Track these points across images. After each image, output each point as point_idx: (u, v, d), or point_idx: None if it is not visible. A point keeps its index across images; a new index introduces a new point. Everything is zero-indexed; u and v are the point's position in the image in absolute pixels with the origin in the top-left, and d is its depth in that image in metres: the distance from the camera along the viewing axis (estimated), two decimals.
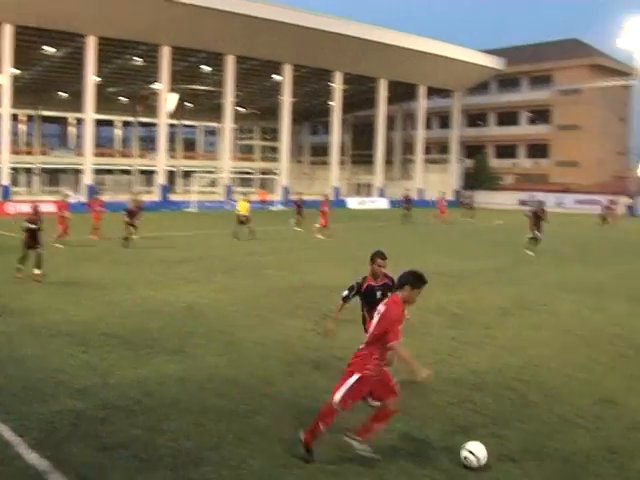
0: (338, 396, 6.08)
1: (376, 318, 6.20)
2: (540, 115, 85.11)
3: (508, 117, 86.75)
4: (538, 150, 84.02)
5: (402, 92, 70.33)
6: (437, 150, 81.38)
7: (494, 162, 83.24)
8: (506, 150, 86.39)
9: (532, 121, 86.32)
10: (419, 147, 71.96)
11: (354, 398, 6.11)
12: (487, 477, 5.79)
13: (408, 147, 76.62)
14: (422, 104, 70.76)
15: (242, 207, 28.47)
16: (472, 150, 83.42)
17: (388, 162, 73.96)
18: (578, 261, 22.55)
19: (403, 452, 6.31)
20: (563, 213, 59.74)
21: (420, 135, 71.96)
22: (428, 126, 76.41)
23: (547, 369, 9.23)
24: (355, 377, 6.09)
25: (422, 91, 69.72)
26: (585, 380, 8.75)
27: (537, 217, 25.25)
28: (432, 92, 72.14)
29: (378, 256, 7.99)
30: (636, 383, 8.70)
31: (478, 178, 77.02)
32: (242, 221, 27.77)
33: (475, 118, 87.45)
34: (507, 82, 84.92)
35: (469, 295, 15.27)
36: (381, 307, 6.25)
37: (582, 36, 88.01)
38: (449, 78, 68.94)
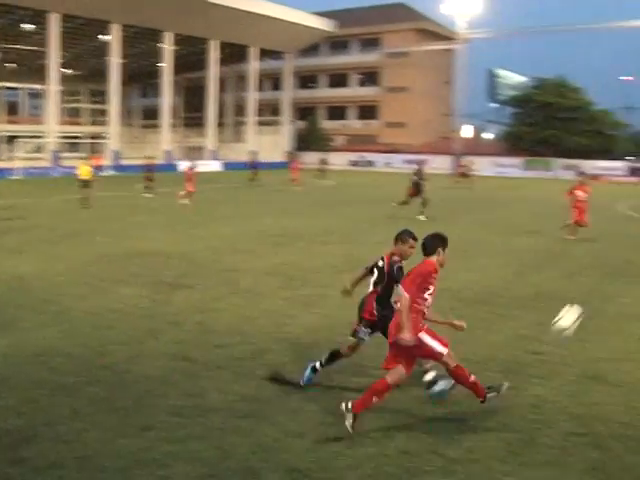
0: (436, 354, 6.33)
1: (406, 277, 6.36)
2: (369, 77, 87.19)
3: (339, 79, 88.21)
4: (368, 111, 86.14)
5: (234, 53, 69.66)
6: (269, 112, 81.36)
7: (325, 123, 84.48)
8: (337, 111, 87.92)
9: (362, 83, 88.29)
10: (251, 109, 71.70)
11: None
12: (323, 430, 5.91)
13: (240, 109, 76.10)
14: (254, 66, 70.44)
15: (83, 171, 27.16)
16: (304, 112, 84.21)
17: (220, 125, 73.23)
18: (407, 218, 23.40)
19: (240, 413, 6.35)
20: (392, 172, 61.82)
21: (252, 97, 71.70)
22: (260, 88, 76.18)
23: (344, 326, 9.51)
24: (427, 336, 6.32)
25: (253, 53, 69.34)
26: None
27: (417, 185, 24.73)
28: (264, 54, 71.91)
29: (410, 236, 7.01)
30: (460, 334, 9.12)
31: (309, 139, 77.97)
32: (85, 185, 26.52)
33: (307, 80, 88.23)
34: (338, 44, 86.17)
35: (303, 255, 15.50)
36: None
37: (409, 1, 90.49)
38: (280, 40, 68.93)
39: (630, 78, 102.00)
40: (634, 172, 65.72)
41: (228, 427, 6.01)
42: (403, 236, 7.01)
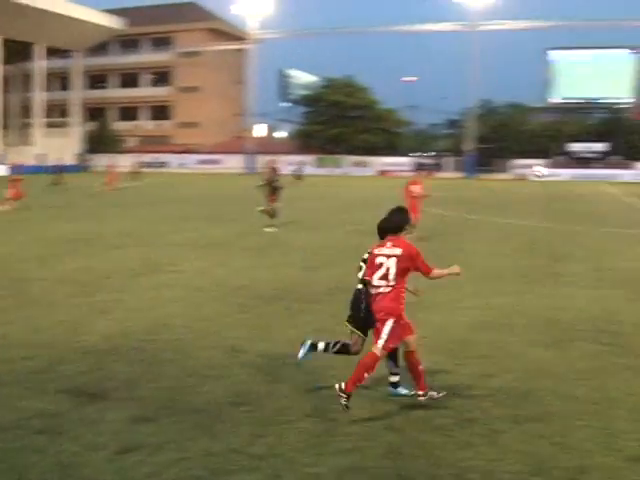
0: (380, 343, 6.47)
1: (393, 259, 6.74)
2: (161, 77, 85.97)
3: (130, 79, 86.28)
4: (160, 112, 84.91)
5: (18, 51, 65.80)
6: (58, 113, 77.90)
7: (117, 125, 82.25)
8: (129, 112, 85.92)
9: (154, 83, 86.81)
10: (38, 110, 68.24)
11: (395, 341, 6.58)
12: (124, 439, 5.74)
13: (27, 110, 72.19)
14: (40, 65, 67.08)
15: None
16: (95, 113, 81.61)
17: (5, 127, 69.04)
18: (204, 219, 23.32)
19: (35, 430, 6.00)
20: (187, 173, 61.29)
21: (39, 98, 68.30)
22: (48, 88, 72.73)
23: (176, 326, 9.38)
24: (391, 321, 6.53)
25: (39, 50, 65.99)
26: (214, 332, 9.09)
27: (273, 187, 21.60)
28: (51, 52, 68.61)
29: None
30: (259, 331, 9.25)
31: (100, 141, 75.55)
32: None
33: (96, 80, 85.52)
34: (128, 43, 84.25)
35: (97, 260, 14.96)
36: (391, 249, 6.81)
37: (201, 0, 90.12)
38: (68, 37, 66.12)
39: (413, 79, 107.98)
40: (418, 167, 69.45)
41: (22, 446, 5.63)
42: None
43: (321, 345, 7.23)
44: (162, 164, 73.25)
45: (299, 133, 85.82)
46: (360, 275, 7.34)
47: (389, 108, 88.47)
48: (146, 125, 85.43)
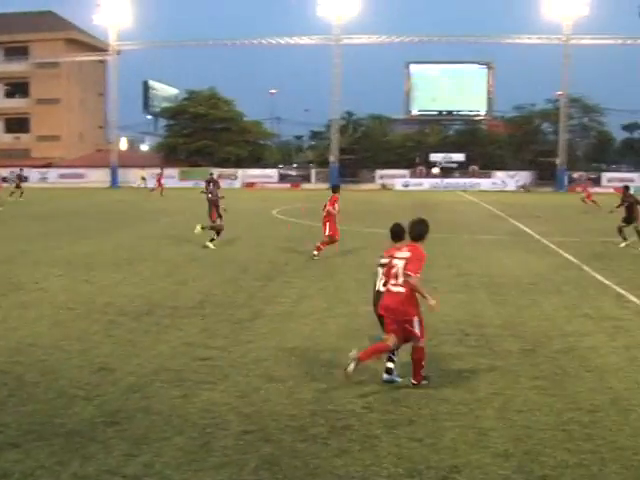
0: (420, 336, 7.50)
1: (402, 262, 7.45)
2: (18, 88, 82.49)
3: None
4: (18, 124, 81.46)
5: None
6: None
7: None
8: None
9: (9, 94, 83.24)
10: None
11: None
12: None
13: None
14: None
15: None
16: None
17: None
18: (67, 234, 22.55)
19: None
20: (48, 188, 59.14)
21: None
22: None
23: (42, 347, 9.03)
24: (417, 320, 7.51)
25: None
26: (81, 351, 8.81)
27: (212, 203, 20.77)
28: None
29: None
30: (129, 347, 9.05)
31: None
32: None
33: None
34: None
35: None
36: (404, 253, 7.59)
37: (59, 9, 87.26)
38: None
39: (273, 91, 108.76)
40: (283, 178, 70.14)
41: None
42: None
43: (390, 364, 7.79)
44: (23, 179, 70.18)
45: (162, 146, 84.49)
46: (379, 279, 8.10)
47: (254, 120, 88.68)
48: (3, 138, 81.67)
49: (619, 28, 73.33)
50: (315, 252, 17.58)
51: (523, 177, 72.51)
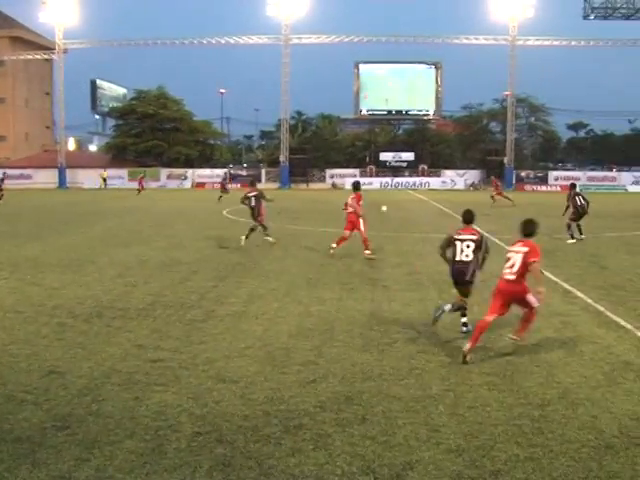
0: (534, 303, 8.87)
1: (520, 255, 8.88)
2: None
3: None
4: None
5: None
6: None
7: None
8: None
9: None
10: None
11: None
12: None
13: None
14: None
15: None
16: None
17: None
18: (14, 237, 22.12)
19: None
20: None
21: None
22: None
23: None
24: (529, 293, 8.86)
25: None
26: (30, 355, 8.65)
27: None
28: None
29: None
30: (79, 350, 8.92)
31: None
32: None
33: None
34: None
35: None
36: (521, 248, 9.01)
37: (3, 7, 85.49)
38: None
39: (223, 90, 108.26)
40: (233, 178, 69.87)
41: None
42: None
43: (447, 307, 9.85)
44: None
45: (111, 146, 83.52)
46: (458, 251, 9.88)
47: (204, 120, 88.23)
48: None
49: (564, 30, 74.61)
50: (368, 252, 17.55)
51: (472, 176, 73.45)
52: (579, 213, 22.14)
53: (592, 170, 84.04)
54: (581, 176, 71.27)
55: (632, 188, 69.30)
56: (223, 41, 71.06)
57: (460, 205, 21.85)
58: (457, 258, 9.86)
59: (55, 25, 68.59)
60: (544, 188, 69.94)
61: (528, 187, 69.90)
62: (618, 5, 65.43)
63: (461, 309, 10.02)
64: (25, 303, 11.89)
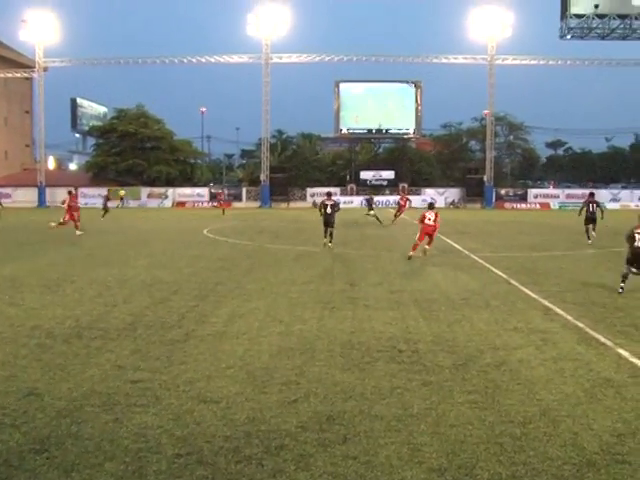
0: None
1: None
2: None
3: None
4: None
5: None
6: None
7: None
8: None
9: None
10: None
11: None
12: None
13: None
14: None
15: None
16: None
17: None
18: None
19: None
20: None
21: None
22: None
23: None
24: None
25: None
26: (8, 377, 8.54)
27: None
28: None
29: None
30: (58, 372, 8.82)
31: None
32: None
33: None
34: None
35: None
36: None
37: None
38: None
39: (204, 109, 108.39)
40: (213, 197, 69.92)
41: None
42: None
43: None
44: None
45: (91, 165, 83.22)
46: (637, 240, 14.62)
47: (184, 139, 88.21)
48: None
49: (542, 49, 75.52)
50: (411, 253, 21.87)
51: (452, 194, 73.89)
52: (587, 217, 27.39)
53: (569, 188, 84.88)
54: (560, 194, 71.92)
55: (610, 205, 69.91)
56: (204, 60, 71.24)
57: (440, 223, 22.06)
58: (636, 244, 14.76)
59: (35, 43, 68.46)
60: (524, 206, 70.48)
61: (508, 205, 70.43)
62: (594, 25, 66.33)
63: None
64: (3, 324, 11.76)
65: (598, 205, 27.81)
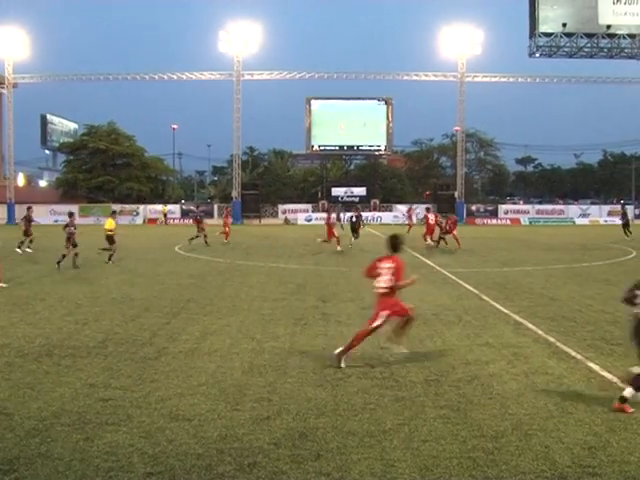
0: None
1: (390, 273, 10.13)
2: None
3: None
4: None
5: None
6: None
7: None
8: None
9: None
10: None
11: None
12: None
13: None
14: None
15: None
16: None
17: None
18: None
19: None
20: None
21: None
22: None
23: None
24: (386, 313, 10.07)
25: None
26: None
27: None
28: None
29: None
30: (28, 390, 8.71)
31: None
32: None
33: None
34: None
35: None
36: (389, 264, 10.28)
37: None
38: None
39: (175, 126, 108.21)
40: (185, 214, 69.72)
41: None
42: None
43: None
44: None
45: (61, 182, 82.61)
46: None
47: (155, 156, 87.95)
48: None
49: (511, 67, 76.63)
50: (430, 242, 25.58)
51: (424, 210, 74.23)
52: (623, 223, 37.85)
53: (539, 203, 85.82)
54: (530, 209, 72.64)
55: (579, 220, 70.78)
56: (175, 77, 71.14)
57: (411, 240, 22.13)
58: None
59: (4, 59, 67.93)
60: (494, 221, 71.04)
61: (479, 221, 70.91)
62: (562, 44, 67.34)
63: None
64: None
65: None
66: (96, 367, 9.97)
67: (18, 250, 29.85)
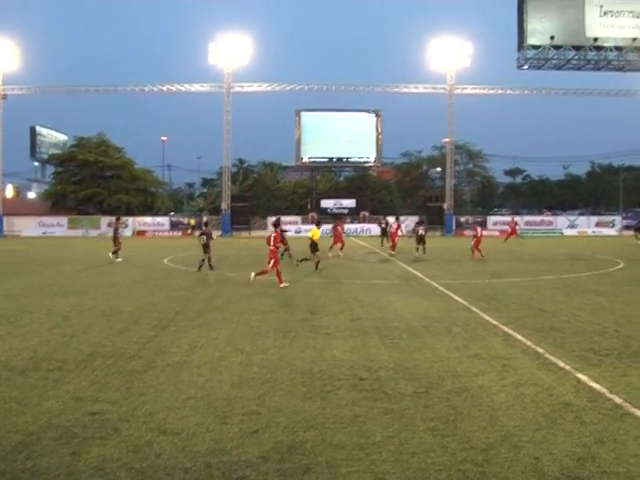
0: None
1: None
2: None
3: None
4: None
5: None
6: None
7: None
8: None
9: None
10: None
11: None
12: None
13: None
14: None
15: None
16: None
17: None
18: None
19: None
20: None
21: None
22: None
23: None
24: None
25: None
26: None
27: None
28: None
29: None
30: (14, 404, 8.62)
31: None
32: None
33: None
34: None
35: None
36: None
37: None
38: None
39: (165, 138, 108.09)
40: (174, 226, 69.63)
41: None
42: None
43: None
44: None
45: (50, 194, 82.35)
46: None
47: (145, 168, 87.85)
48: None
49: (500, 79, 76.93)
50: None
51: (413, 222, 74.35)
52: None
53: (527, 214, 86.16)
54: (519, 221, 72.86)
55: (568, 231, 71.10)
56: (164, 88, 71.16)
57: (400, 251, 22.18)
58: None
59: None
60: (483, 233, 71.11)
61: (468, 232, 70.99)
62: (550, 56, 67.86)
63: None
64: None
65: None
66: (84, 380, 9.90)
67: (113, 257, 33.23)
